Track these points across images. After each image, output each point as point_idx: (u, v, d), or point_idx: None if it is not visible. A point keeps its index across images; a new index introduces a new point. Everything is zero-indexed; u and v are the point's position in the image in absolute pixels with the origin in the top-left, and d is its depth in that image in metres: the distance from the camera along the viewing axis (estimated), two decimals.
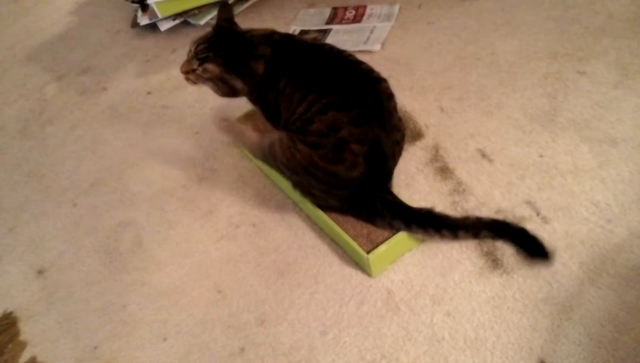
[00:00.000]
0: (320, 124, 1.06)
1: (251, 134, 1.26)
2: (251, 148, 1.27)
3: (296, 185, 1.17)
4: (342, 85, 1.10)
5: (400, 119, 1.15)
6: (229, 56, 1.18)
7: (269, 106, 1.20)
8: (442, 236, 1.07)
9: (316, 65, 1.15)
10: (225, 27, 1.23)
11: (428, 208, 1.09)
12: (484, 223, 1.07)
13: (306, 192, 1.16)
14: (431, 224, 1.07)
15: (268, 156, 1.18)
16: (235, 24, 1.25)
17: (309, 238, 1.21)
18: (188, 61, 1.20)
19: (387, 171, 1.13)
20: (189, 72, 1.21)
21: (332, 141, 1.06)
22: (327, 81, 1.10)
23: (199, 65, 1.19)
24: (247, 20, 1.92)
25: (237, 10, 1.97)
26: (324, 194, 1.13)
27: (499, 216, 1.14)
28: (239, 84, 1.20)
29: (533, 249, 1.03)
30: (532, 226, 1.11)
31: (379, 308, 1.07)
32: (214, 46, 1.19)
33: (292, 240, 1.22)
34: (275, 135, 1.16)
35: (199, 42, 1.20)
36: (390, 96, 1.13)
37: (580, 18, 1.55)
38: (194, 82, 1.23)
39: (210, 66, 1.18)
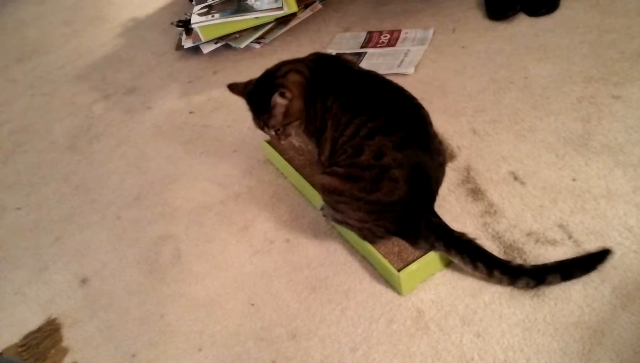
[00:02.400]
0: (368, 153, 1.08)
1: None
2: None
3: (355, 230, 1.18)
4: (388, 109, 1.12)
5: (440, 142, 1.16)
6: (256, 103, 1.23)
7: (316, 120, 1.21)
8: (476, 268, 1.07)
9: (362, 89, 1.17)
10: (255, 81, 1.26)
11: (470, 237, 1.09)
12: (525, 270, 1.06)
13: (366, 231, 1.16)
14: (469, 252, 1.07)
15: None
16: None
17: (341, 254, 1.24)
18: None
19: (431, 194, 1.14)
20: (278, 139, 1.26)
21: (375, 172, 1.07)
22: (375, 105, 1.13)
23: (266, 128, 1.24)
24: (285, 44, 1.99)
25: (276, 34, 2.04)
26: (375, 219, 1.13)
27: (531, 239, 1.15)
28: (275, 120, 1.21)
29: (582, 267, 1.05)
30: (564, 250, 1.12)
31: (409, 327, 1.08)
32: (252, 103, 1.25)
33: (324, 256, 1.25)
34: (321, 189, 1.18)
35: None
36: (431, 123, 1.15)
37: (615, 42, 1.54)
38: (285, 140, 1.26)
39: (263, 120, 1.22)
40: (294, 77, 1.20)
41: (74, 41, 2.50)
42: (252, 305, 1.20)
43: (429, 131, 1.12)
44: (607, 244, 1.10)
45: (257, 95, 1.23)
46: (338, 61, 1.29)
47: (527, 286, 1.06)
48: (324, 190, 1.16)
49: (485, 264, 1.07)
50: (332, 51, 1.87)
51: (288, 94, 1.17)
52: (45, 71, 2.33)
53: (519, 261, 1.12)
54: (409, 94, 1.18)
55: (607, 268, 1.06)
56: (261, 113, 1.22)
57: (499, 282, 1.08)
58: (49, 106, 2.09)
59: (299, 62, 1.25)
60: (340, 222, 1.20)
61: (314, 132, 1.23)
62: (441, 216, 1.15)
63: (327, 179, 1.14)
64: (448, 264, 1.15)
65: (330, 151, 1.17)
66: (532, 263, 1.09)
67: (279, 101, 1.17)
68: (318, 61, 1.26)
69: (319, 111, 1.19)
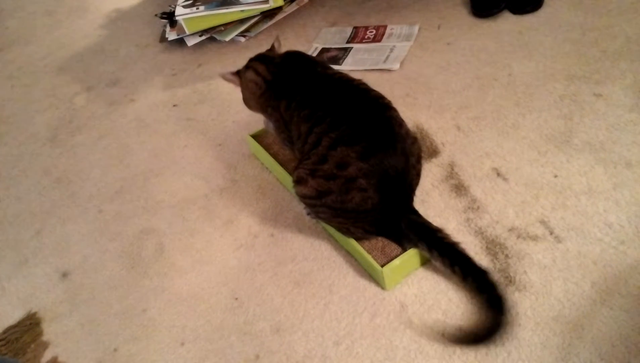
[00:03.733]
0: (331, 163, 1.07)
1: None
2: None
3: (336, 228, 1.20)
4: (350, 116, 1.10)
5: (414, 142, 1.13)
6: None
7: (281, 118, 1.23)
8: (454, 272, 1.07)
9: (325, 94, 1.15)
10: None
11: (454, 241, 1.08)
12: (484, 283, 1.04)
13: (344, 230, 1.18)
14: (450, 256, 1.07)
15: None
16: None
17: (325, 249, 1.24)
18: None
19: (406, 195, 1.13)
20: None
21: (340, 183, 1.07)
22: (336, 113, 1.11)
23: None
24: (271, 38, 1.98)
25: (261, 27, 2.03)
26: (353, 222, 1.14)
27: (513, 235, 1.16)
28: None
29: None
30: (545, 245, 1.13)
31: (392, 321, 1.09)
32: None
33: (308, 251, 1.25)
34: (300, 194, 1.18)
35: None
36: (401, 123, 1.12)
37: (598, 41, 1.57)
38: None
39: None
40: (250, 75, 1.30)
41: (56, 32, 2.45)
42: (236, 299, 1.20)
43: (396, 133, 1.09)
44: (588, 240, 1.12)
45: None
46: (307, 62, 1.27)
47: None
48: (302, 201, 1.18)
49: (462, 269, 1.05)
50: (318, 46, 1.87)
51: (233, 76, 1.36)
52: (26, 61, 2.29)
53: (501, 256, 1.13)
54: (375, 94, 1.15)
55: (587, 264, 1.08)
56: None
57: (470, 288, 1.07)
58: (30, 98, 2.06)
59: (265, 61, 1.31)
60: (321, 220, 1.22)
61: (285, 128, 1.24)
62: (424, 212, 1.15)
63: (302, 195, 1.15)
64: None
65: (301, 152, 1.17)
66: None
67: (223, 76, 1.37)
68: (285, 60, 1.28)
69: (283, 111, 1.20)
